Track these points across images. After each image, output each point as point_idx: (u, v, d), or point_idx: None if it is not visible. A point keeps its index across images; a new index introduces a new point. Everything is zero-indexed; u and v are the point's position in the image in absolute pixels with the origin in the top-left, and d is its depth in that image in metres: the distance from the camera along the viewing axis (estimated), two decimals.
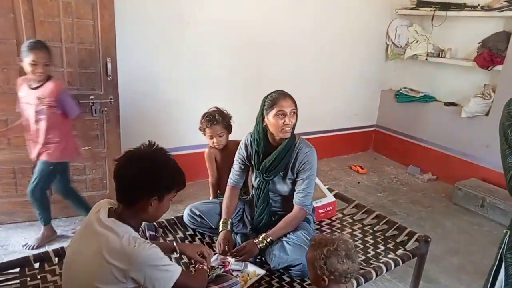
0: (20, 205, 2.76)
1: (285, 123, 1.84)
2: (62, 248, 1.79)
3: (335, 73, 4.39)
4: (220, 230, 1.96)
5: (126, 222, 1.29)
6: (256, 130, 1.97)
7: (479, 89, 3.79)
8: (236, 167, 2.12)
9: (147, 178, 1.27)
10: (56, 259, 1.75)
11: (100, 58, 2.66)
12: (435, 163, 4.22)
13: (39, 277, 1.65)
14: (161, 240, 1.95)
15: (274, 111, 1.85)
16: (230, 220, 2.01)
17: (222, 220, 2.00)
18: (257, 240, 1.86)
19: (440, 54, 4.11)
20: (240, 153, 2.10)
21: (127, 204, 1.31)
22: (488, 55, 3.56)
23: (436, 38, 4.21)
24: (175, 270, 1.32)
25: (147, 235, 1.75)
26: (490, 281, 1.36)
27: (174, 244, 1.67)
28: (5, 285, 1.60)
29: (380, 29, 4.53)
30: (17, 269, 1.68)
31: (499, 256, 1.33)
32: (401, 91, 4.54)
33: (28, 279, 1.64)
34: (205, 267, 1.57)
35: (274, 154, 1.92)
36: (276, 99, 1.86)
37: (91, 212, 1.36)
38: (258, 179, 2.02)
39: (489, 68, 3.62)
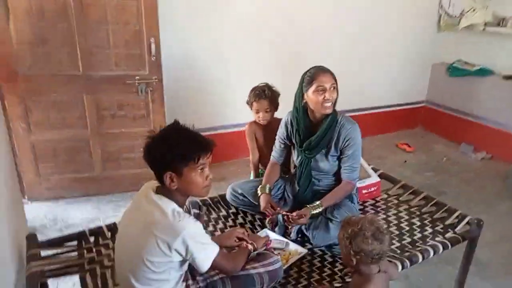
0: (77, 181, 2.94)
1: (325, 98, 1.82)
2: (114, 223, 1.90)
3: (382, 47, 4.18)
4: (259, 195, 1.98)
5: (170, 198, 1.33)
6: (296, 108, 1.96)
7: None
8: (277, 145, 2.15)
9: (155, 156, 1.30)
10: (109, 233, 1.86)
11: (144, 39, 2.71)
12: (490, 141, 3.96)
13: (94, 250, 1.77)
14: (205, 218, 2.01)
15: (313, 87, 1.83)
16: (268, 185, 2.02)
17: (260, 186, 2.02)
18: (309, 206, 1.87)
19: (501, 23, 3.77)
20: (280, 132, 2.11)
21: (160, 183, 1.36)
22: None
23: (496, 6, 3.85)
24: (213, 250, 1.34)
25: (192, 213, 1.80)
26: None
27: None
28: (66, 256, 1.73)
29: None
30: (75, 242, 1.81)
31: None
32: (454, 65, 4.25)
33: (85, 251, 1.76)
34: (250, 246, 1.59)
35: (319, 132, 1.91)
36: (315, 74, 1.84)
37: (140, 190, 1.42)
38: (300, 157, 2.02)
39: None
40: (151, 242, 1.24)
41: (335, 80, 1.85)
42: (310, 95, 1.85)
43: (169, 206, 1.29)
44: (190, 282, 1.44)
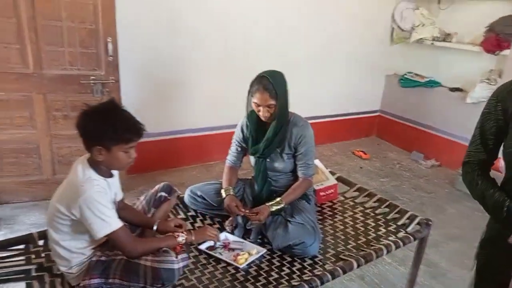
0: (24, 184, 2.77)
1: (260, 114, 1.90)
2: None
3: (338, 58, 4.34)
4: (224, 197, 1.98)
5: (92, 167, 1.41)
6: (249, 112, 2.02)
7: (485, 75, 3.74)
8: (233, 148, 2.17)
9: (89, 128, 1.37)
10: None
11: (101, 38, 2.64)
12: (439, 149, 4.20)
13: (43, 255, 1.66)
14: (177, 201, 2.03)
15: (253, 99, 1.90)
16: (231, 187, 2.03)
17: (223, 188, 2.02)
18: (269, 204, 1.89)
19: (446, 38, 4.05)
20: (236, 135, 2.14)
21: (88, 152, 1.42)
22: (495, 39, 3.50)
23: (442, 22, 4.15)
24: (112, 223, 1.37)
25: (158, 196, 1.80)
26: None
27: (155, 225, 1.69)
28: (11, 260, 1.61)
29: (385, 12, 4.46)
30: (22, 246, 1.69)
31: None
32: (405, 76, 4.49)
33: (33, 256, 1.64)
34: (180, 238, 1.58)
35: (268, 134, 1.97)
36: (254, 89, 1.89)
37: (82, 157, 1.47)
38: (255, 158, 2.06)
39: (496, 53, 3.56)
40: (62, 196, 1.38)
41: (276, 98, 1.86)
42: (252, 105, 1.93)
43: (84, 171, 1.39)
44: (99, 253, 1.47)
